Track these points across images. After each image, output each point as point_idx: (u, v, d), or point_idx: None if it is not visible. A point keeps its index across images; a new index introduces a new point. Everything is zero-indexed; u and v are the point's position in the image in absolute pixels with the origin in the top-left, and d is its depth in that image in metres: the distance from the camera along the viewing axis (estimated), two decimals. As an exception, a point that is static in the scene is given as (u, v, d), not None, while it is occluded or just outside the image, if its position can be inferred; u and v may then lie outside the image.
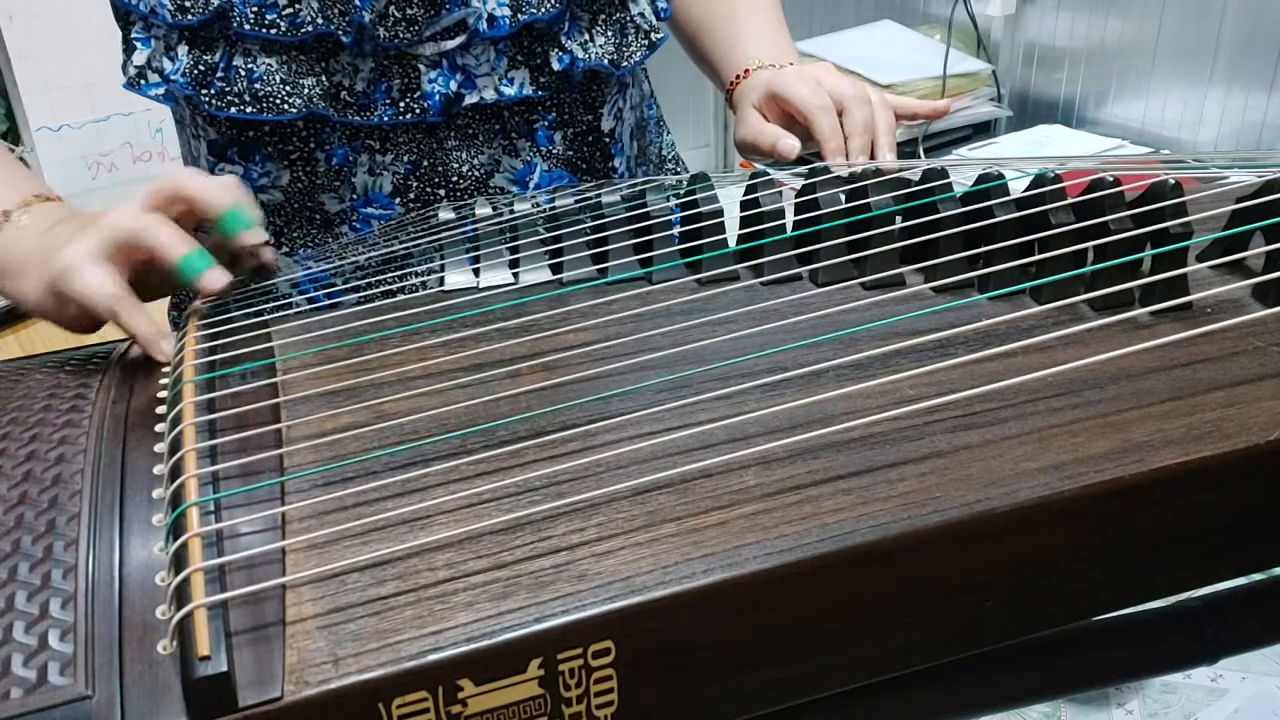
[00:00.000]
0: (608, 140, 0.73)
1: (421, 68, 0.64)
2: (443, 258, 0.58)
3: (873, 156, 0.69)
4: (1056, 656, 0.49)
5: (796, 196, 0.56)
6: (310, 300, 0.68)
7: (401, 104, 0.65)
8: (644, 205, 0.57)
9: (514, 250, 0.57)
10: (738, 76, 0.77)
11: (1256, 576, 0.48)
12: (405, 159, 0.66)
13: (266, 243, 0.65)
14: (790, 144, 0.70)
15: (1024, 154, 1.65)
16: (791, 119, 0.72)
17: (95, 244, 0.53)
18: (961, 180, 0.54)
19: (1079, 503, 0.38)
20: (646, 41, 0.71)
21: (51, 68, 2.11)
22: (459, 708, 0.34)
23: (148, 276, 0.54)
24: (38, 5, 2.06)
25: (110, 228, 0.52)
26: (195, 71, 0.63)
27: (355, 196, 0.67)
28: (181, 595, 0.34)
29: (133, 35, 0.66)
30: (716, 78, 0.81)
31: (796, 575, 0.36)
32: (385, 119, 0.65)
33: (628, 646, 0.35)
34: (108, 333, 0.61)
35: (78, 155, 2.20)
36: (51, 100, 2.15)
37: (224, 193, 0.54)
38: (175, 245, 0.52)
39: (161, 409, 0.46)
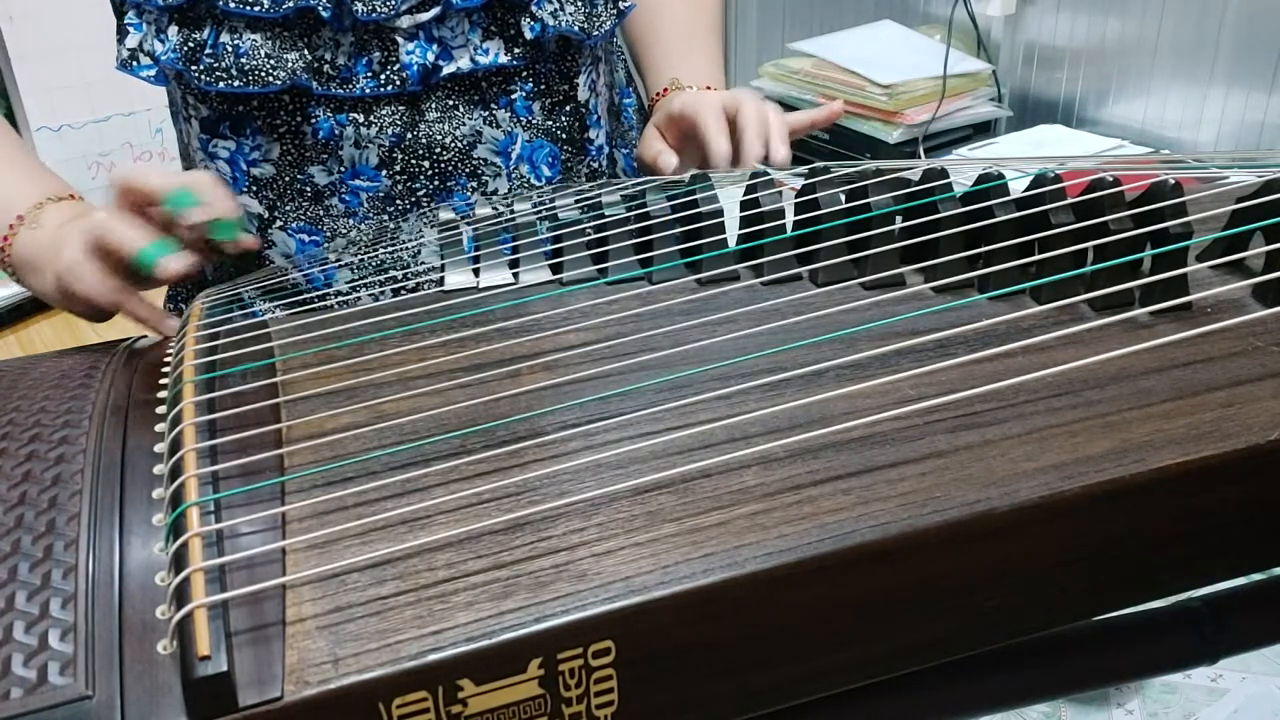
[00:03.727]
0: (584, 111, 0.75)
1: (399, 40, 0.67)
2: (443, 257, 0.58)
3: (766, 159, 0.72)
4: (1056, 656, 0.49)
5: (796, 196, 0.56)
6: (306, 278, 0.69)
7: (382, 76, 0.67)
8: (644, 205, 0.57)
9: (514, 250, 0.58)
10: (658, 94, 0.82)
11: (1256, 576, 0.48)
12: (389, 131, 0.69)
13: (268, 220, 0.67)
14: (668, 160, 0.74)
15: (1024, 154, 1.64)
16: (688, 139, 0.75)
17: (80, 247, 0.58)
18: (961, 180, 0.54)
19: (1079, 503, 0.38)
20: (615, 11, 0.73)
21: (51, 68, 2.11)
22: (459, 708, 0.34)
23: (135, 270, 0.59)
24: (38, 5, 2.06)
25: (85, 231, 0.58)
26: (185, 49, 0.66)
27: (343, 169, 0.70)
28: (181, 595, 0.34)
29: (126, 22, 0.69)
30: (645, 91, 0.86)
31: (796, 575, 0.36)
32: (367, 91, 0.67)
33: (628, 646, 0.35)
34: (108, 331, 0.62)
35: (78, 155, 2.20)
36: (51, 100, 2.15)
37: (166, 179, 0.58)
38: (130, 240, 0.56)
39: (161, 409, 0.46)
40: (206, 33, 0.65)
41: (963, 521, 0.37)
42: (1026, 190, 0.51)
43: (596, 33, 0.71)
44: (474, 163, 0.71)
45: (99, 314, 0.61)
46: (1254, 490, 0.41)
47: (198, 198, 0.58)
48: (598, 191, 0.62)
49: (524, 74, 0.71)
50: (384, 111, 0.68)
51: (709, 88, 0.80)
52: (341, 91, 0.67)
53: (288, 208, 0.71)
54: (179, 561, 0.36)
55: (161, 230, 0.58)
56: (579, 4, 0.70)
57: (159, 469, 0.42)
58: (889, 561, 0.37)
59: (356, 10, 0.65)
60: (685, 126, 0.74)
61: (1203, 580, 0.45)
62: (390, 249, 0.71)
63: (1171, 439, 0.40)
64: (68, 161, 2.17)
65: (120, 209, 0.58)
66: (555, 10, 0.69)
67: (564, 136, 0.74)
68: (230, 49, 0.65)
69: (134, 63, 0.68)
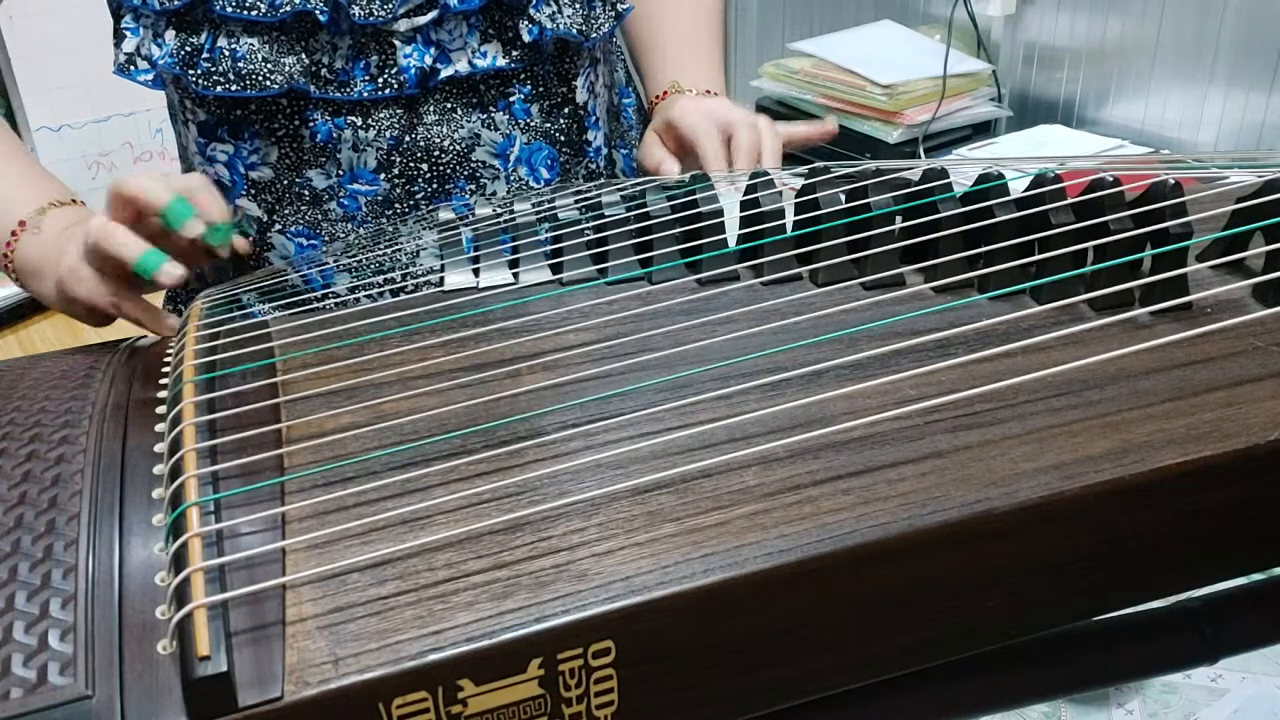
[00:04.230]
0: (583, 113, 0.74)
1: (397, 43, 0.67)
2: (442, 257, 0.58)
3: None
4: (1056, 656, 0.49)
5: (796, 196, 0.56)
6: (305, 280, 0.69)
7: (379, 79, 0.67)
8: (644, 205, 0.57)
9: (514, 250, 0.58)
10: (657, 98, 0.82)
11: (1256, 576, 0.48)
12: (388, 135, 0.69)
13: (267, 224, 0.67)
14: (670, 168, 0.74)
15: (1024, 154, 1.64)
16: (687, 150, 0.76)
17: (79, 253, 0.58)
18: (961, 180, 0.54)
19: (1079, 503, 0.38)
20: (614, 13, 0.73)
21: (51, 68, 2.11)
22: (459, 708, 0.34)
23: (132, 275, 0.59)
24: (38, 5, 2.06)
25: (82, 238, 0.58)
26: (182, 53, 0.66)
27: (341, 172, 0.70)
28: (181, 595, 0.34)
29: (123, 25, 0.69)
30: (645, 94, 0.86)
31: (796, 575, 0.36)
32: (365, 94, 0.67)
33: (628, 646, 0.35)
34: (109, 331, 0.62)
35: (78, 155, 2.20)
36: (51, 100, 2.14)
37: (162, 189, 0.58)
38: (128, 248, 0.57)
39: (161, 409, 0.46)
40: (204, 37, 0.65)
41: (963, 521, 0.37)
42: (1026, 190, 0.51)
43: (595, 35, 0.71)
44: (472, 165, 0.71)
45: (99, 318, 0.61)
46: (1254, 490, 0.41)
47: (193, 207, 0.58)
48: (597, 192, 0.62)
49: (522, 76, 0.71)
50: (382, 115, 0.68)
51: (709, 91, 0.80)
52: (339, 95, 0.67)
53: (286, 211, 0.71)
54: (179, 561, 0.36)
55: (157, 237, 0.58)
56: (577, 6, 0.70)
57: (159, 469, 0.42)
58: (889, 561, 0.37)
59: (354, 14, 0.65)
60: (683, 140, 0.74)
61: (1203, 580, 0.45)
62: (389, 251, 0.71)
63: (1171, 439, 0.40)
64: (68, 161, 2.17)
65: (115, 217, 0.58)
66: (553, 13, 0.69)
67: (562, 139, 0.74)
68: (227, 53, 0.65)
69: (131, 67, 0.68)
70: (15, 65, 2.09)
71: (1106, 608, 0.44)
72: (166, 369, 0.49)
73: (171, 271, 0.57)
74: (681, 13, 0.85)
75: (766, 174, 0.58)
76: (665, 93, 0.80)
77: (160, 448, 0.43)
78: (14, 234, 0.63)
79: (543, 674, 0.34)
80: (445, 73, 0.68)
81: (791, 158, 0.76)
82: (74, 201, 0.65)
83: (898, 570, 0.37)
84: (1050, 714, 1.35)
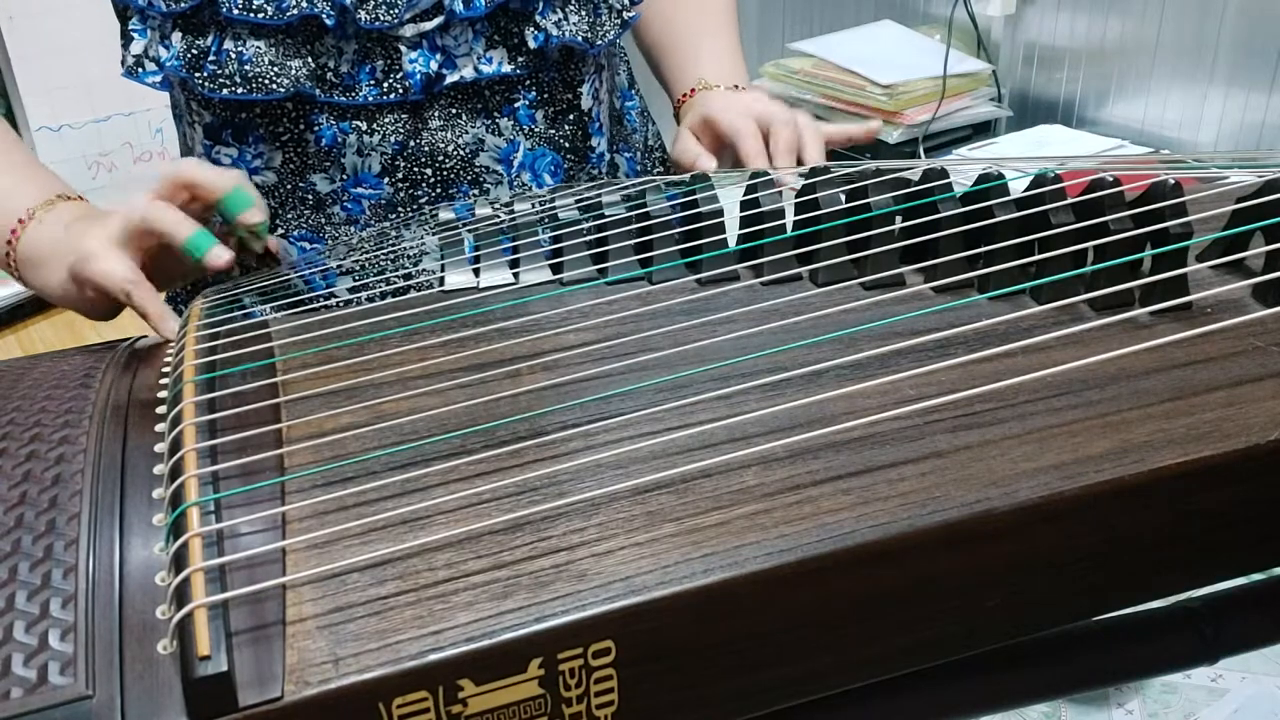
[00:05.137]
0: (587, 119, 0.75)
1: (402, 49, 0.67)
2: (443, 257, 0.58)
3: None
4: (1056, 656, 0.49)
5: (796, 196, 0.56)
6: (306, 281, 0.70)
7: (385, 84, 0.67)
8: (644, 205, 0.57)
9: (514, 250, 0.58)
10: (684, 96, 0.82)
11: (1256, 576, 0.48)
12: (392, 139, 0.69)
13: (270, 228, 0.68)
14: (707, 164, 0.74)
15: (1024, 154, 1.64)
16: (724, 144, 0.75)
17: (112, 231, 0.58)
18: (961, 180, 0.54)
19: (1079, 503, 0.38)
20: (619, 20, 0.73)
21: (51, 68, 2.11)
22: (459, 707, 0.34)
23: (157, 266, 0.59)
24: (38, 5, 2.06)
25: (124, 216, 0.58)
26: (189, 56, 0.66)
27: (345, 177, 0.70)
28: (182, 595, 0.34)
29: (130, 27, 0.69)
30: (669, 94, 0.86)
31: (796, 575, 0.36)
32: (370, 99, 0.67)
33: (628, 646, 0.35)
34: (109, 331, 0.62)
35: (78, 155, 2.20)
36: (51, 100, 2.15)
37: (224, 177, 0.59)
38: (181, 226, 0.57)
39: (161, 409, 0.46)
40: (210, 40, 0.65)
41: (963, 521, 0.37)
42: (1026, 190, 0.51)
43: (600, 42, 0.71)
44: (476, 171, 0.71)
45: (104, 308, 0.61)
46: (1254, 490, 0.41)
47: (250, 197, 0.60)
48: (597, 192, 0.62)
49: (527, 83, 0.71)
50: (387, 119, 0.68)
51: (736, 86, 0.79)
52: (344, 99, 0.67)
53: (290, 216, 0.71)
54: (179, 561, 0.36)
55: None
56: (583, 14, 0.70)
57: (159, 469, 0.42)
58: (889, 561, 0.37)
59: (360, 18, 0.65)
60: (722, 135, 0.74)
61: (1203, 580, 0.45)
62: (391, 254, 0.70)
63: (1171, 439, 0.40)
64: (68, 161, 2.17)
65: (165, 199, 0.58)
66: (559, 20, 0.69)
67: (566, 145, 0.74)
68: (234, 56, 0.65)
69: (140, 69, 0.68)
70: (15, 65, 2.09)
71: (1106, 608, 0.44)
72: (166, 369, 0.49)
73: (221, 254, 0.57)
74: (692, 12, 0.84)
75: (767, 174, 0.58)
76: (692, 90, 0.80)
77: (160, 448, 0.43)
78: (20, 222, 0.63)
79: (543, 674, 0.34)
80: (451, 79, 0.68)
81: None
82: (80, 198, 0.65)
83: (898, 570, 0.37)
84: (1050, 714, 1.35)
